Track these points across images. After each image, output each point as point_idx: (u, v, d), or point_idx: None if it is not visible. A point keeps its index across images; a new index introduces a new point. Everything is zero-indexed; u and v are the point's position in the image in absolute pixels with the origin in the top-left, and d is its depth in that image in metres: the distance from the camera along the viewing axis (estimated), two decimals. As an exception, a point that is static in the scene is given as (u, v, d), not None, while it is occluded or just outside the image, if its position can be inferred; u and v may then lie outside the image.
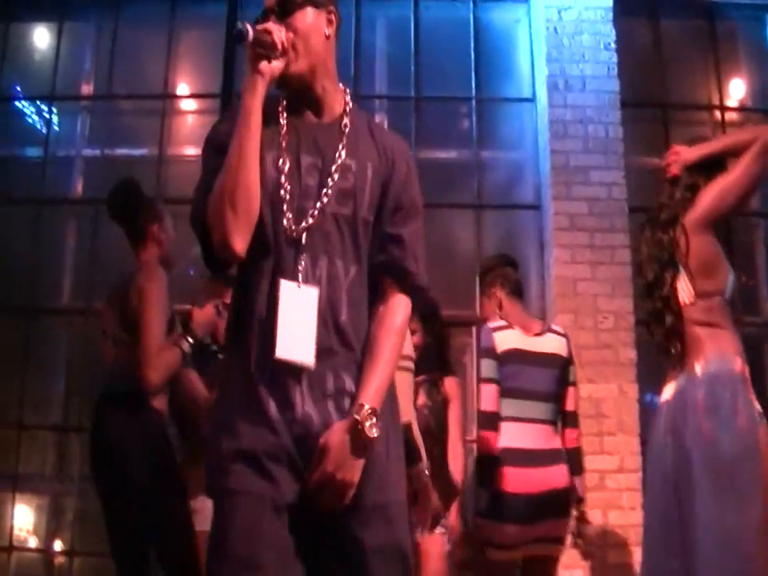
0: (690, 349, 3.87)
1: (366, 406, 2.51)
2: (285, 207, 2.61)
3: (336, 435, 2.49)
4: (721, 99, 8.34)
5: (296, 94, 2.75)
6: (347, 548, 2.55)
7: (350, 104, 2.80)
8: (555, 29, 7.78)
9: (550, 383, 5.08)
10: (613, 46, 7.75)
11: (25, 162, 8.51)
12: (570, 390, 5.21)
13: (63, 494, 7.62)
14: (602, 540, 6.23)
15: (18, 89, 8.60)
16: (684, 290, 3.92)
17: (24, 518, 7.62)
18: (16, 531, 7.47)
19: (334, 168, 2.65)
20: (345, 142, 2.71)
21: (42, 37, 8.76)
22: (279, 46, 2.58)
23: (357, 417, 2.50)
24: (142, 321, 4.45)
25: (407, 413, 4.29)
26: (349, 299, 2.62)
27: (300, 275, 2.57)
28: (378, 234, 2.72)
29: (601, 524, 6.30)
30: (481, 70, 8.25)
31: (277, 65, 2.60)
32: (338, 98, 2.79)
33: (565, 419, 5.18)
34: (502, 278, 5.37)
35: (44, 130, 8.44)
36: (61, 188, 8.32)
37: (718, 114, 8.33)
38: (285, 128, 2.70)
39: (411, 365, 4.51)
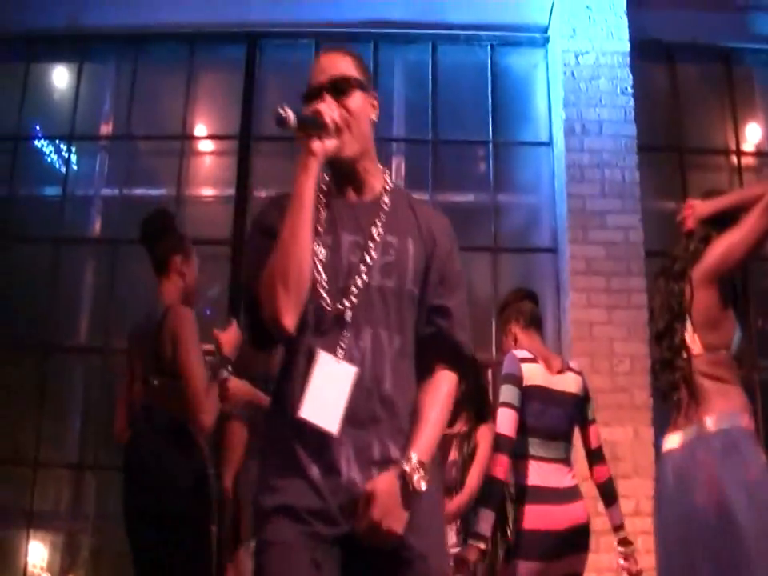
0: (698, 400, 3.88)
1: (415, 458, 2.53)
2: (328, 285, 2.63)
3: (383, 483, 2.50)
4: (737, 144, 8.39)
5: (338, 174, 2.79)
6: None
7: (390, 184, 2.83)
8: (572, 73, 7.83)
9: (566, 422, 5.04)
10: (630, 90, 7.79)
11: (43, 201, 8.56)
12: (591, 427, 5.16)
13: (78, 531, 7.62)
14: (617, 584, 6.21)
15: (38, 128, 8.66)
16: (691, 341, 3.93)
17: (38, 555, 7.59)
18: (30, 568, 7.45)
19: (374, 245, 2.68)
20: (384, 219, 2.73)
21: (61, 77, 8.85)
22: (331, 125, 2.60)
23: (405, 467, 2.51)
24: (185, 368, 4.45)
25: None
26: (393, 369, 2.64)
27: (340, 350, 2.58)
28: (425, 306, 2.74)
29: (616, 568, 6.27)
30: (498, 114, 8.32)
31: (330, 143, 2.62)
32: (378, 179, 2.82)
33: (591, 457, 5.14)
34: (516, 312, 5.28)
35: (63, 170, 8.51)
36: (79, 227, 8.37)
37: (734, 158, 8.38)
38: (324, 207, 2.73)
39: None
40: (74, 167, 8.55)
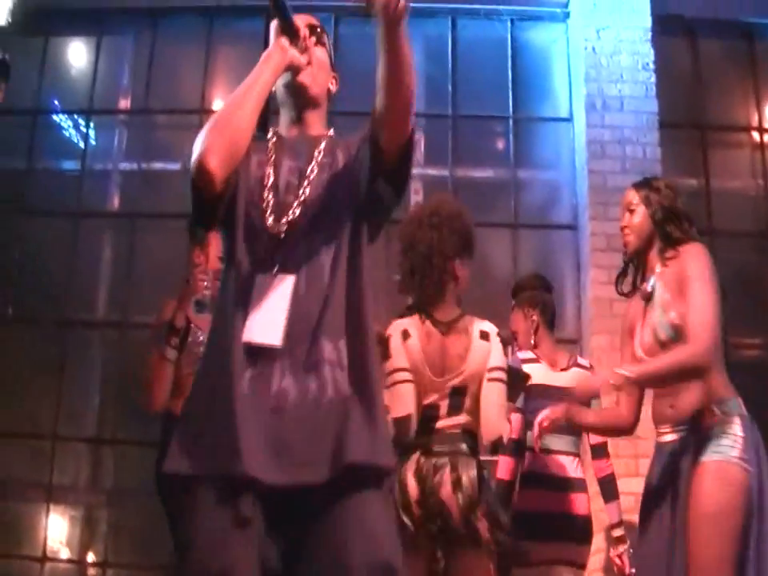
0: None
1: None
2: (267, 205, 2.81)
3: None
4: (759, 121, 8.34)
5: (289, 114, 3.04)
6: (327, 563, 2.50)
7: (332, 133, 3.04)
8: (593, 48, 7.78)
9: None
10: (651, 66, 7.73)
11: (62, 175, 8.56)
12: None
13: (96, 505, 7.63)
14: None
15: (56, 102, 8.63)
16: None
17: (57, 528, 7.61)
18: (49, 542, 7.46)
19: (310, 167, 2.87)
20: (322, 146, 2.92)
21: (79, 51, 8.82)
22: (302, 40, 2.90)
23: None
24: None
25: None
26: (331, 269, 2.73)
27: (277, 265, 2.72)
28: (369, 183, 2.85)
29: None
30: (518, 89, 8.26)
31: (294, 53, 2.89)
32: (323, 131, 3.02)
33: (592, 452, 5.29)
34: (542, 304, 5.44)
35: (81, 144, 8.48)
36: (97, 201, 8.35)
37: (756, 135, 8.33)
38: (272, 140, 2.97)
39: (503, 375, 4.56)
40: (93, 141, 8.52)
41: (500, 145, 8.33)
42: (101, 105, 8.55)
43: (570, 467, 5.10)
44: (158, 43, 8.48)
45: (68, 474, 7.76)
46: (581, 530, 5.01)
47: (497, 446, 4.29)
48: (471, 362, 4.23)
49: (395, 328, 4.26)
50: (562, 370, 5.26)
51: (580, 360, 5.45)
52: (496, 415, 4.24)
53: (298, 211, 2.78)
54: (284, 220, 2.76)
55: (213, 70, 8.50)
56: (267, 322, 2.63)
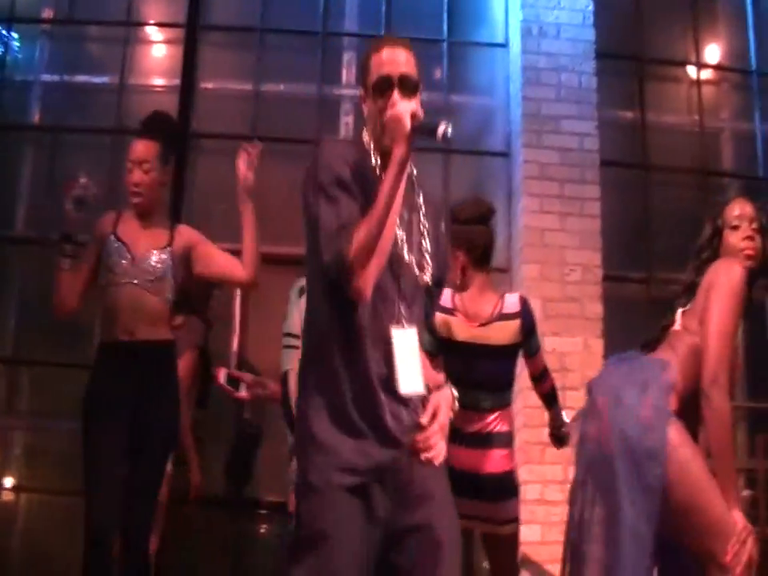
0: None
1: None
2: (408, 263, 3.04)
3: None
4: (697, 57, 8.30)
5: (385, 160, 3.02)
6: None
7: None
8: (530, -27, 7.65)
9: (489, 373, 4.84)
10: (589, -7, 7.63)
11: (-19, 85, 8.28)
12: (530, 361, 5.03)
13: (12, 428, 7.49)
14: (561, 494, 6.17)
15: (-25, 10, 8.34)
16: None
17: (-29, 451, 7.49)
18: (-38, 466, 7.35)
19: (424, 225, 3.14)
20: (421, 197, 3.20)
21: (1, -43, 8.48)
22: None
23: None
24: None
25: None
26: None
27: (403, 319, 2.98)
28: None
29: (560, 479, 6.25)
30: (454, 13, 8.13)
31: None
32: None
33: (534, 381, 5.13)
34: (468, 242, 4.86)
35: (2, 54, 8.18)
36: (18, 113, 8.12)
37: (693, 71, 8.28)
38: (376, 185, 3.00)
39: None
40: (14, 51, 8.24)
41: (434, 69, 8.15)
42: (23, 13, 8.27)
43: (482, 423, 4.80)
44: (84, -49, 8.19)
45: (-19, 396, 7.61)
46: (493, 488, 4.77)
47: None
48: None
49: None
50: (480, 325, 4.82)
51: (507, 305, 4.92)
52: None
53: (408, 269, 3.03)
54: (401, 274, 3.01)
55: (141, -20, 8.24)
56: (410, 372, 2.93)
